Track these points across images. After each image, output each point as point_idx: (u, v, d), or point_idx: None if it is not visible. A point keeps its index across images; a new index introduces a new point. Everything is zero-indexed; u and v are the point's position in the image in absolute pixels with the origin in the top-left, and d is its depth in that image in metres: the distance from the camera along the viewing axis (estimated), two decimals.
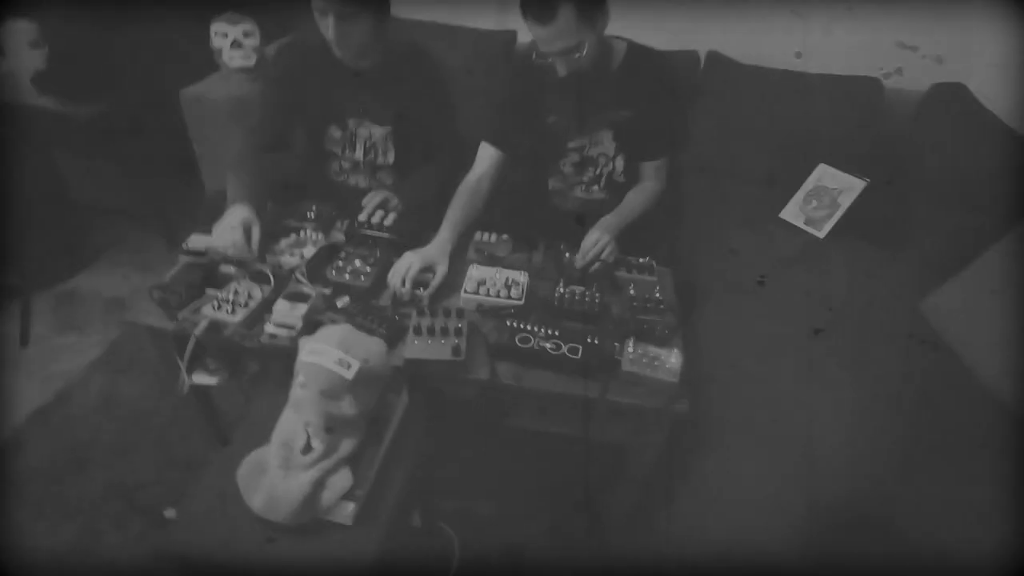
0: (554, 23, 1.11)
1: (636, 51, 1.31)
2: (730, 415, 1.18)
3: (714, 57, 1.94)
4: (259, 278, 1.16)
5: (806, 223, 1.69)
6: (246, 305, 1.10)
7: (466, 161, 1.41)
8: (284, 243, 1.24)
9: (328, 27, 1.18)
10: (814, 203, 1.70)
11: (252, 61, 1.67)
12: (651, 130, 1.35)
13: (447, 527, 1.25)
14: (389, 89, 1.35)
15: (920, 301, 1.39)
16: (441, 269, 1.18)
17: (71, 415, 1.53)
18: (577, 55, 1.17)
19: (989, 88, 1.68)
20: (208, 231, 1.27)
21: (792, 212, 1.73)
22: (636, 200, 1.38)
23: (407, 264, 1.16)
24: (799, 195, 1.72)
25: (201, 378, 1.18)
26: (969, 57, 1.79)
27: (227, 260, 1.19)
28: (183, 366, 1.11)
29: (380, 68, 1.34)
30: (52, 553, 1.26)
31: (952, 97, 1.72)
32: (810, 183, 1.72)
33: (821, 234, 1.66)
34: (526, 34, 2.04)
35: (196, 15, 1.72)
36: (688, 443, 1.14)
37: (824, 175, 1.71)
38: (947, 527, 0.98)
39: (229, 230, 1.17)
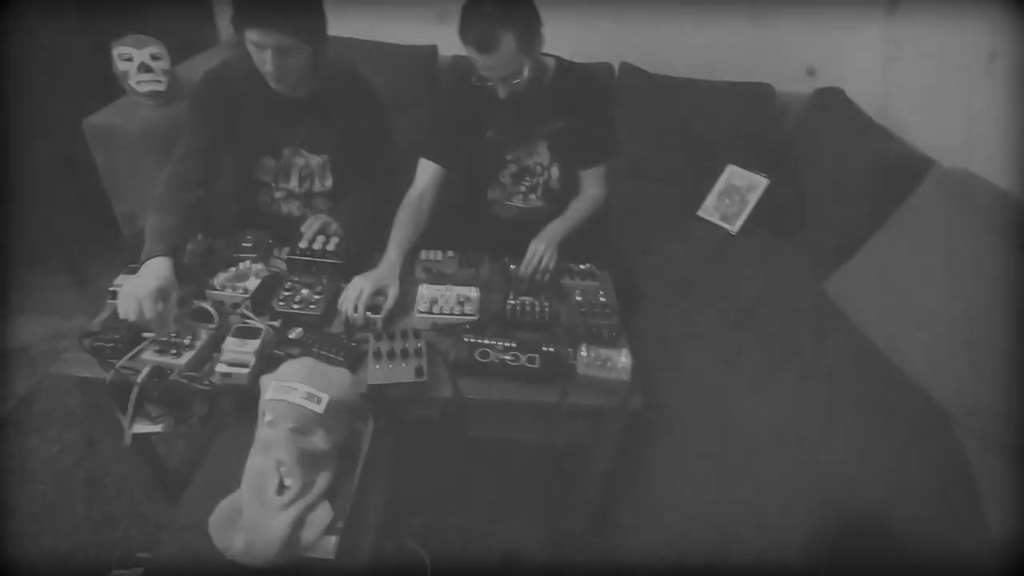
0: (496, 52, 1.15)
1: (564, 67, 1.38)
2: (676, 404, 1.27)
3: (627, 68, 2.07)
4: (201, 316, 1.12)
5: (721, 219, 1.85)
6: (191, 346, 1.05)
7: (402, 179, 1.43)
8: (223, 277, 1.19)
9: (265, 61, 1.14)
10: (726, 201, 1.86)
11: (164, 85, 1.57)
12: (583, 139, 1.42)
13: (417, 545, 1.26)
14: (326, 118, 1.33)
15: (823, 282, 1.57)
16: (393, 291, 1.19)
17: None
18: (517, 80, 1.22)
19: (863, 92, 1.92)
20: (134, 270, 1.21)
21: (708, 210, 1.88)
22: (578, 208, 1.43)
23: (358, 289, 1.15)
24: (713, 194, 1.88)
25: (144, 426, 1.12)
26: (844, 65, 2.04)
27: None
28: (126, 417, 1.05)
29: (316, 97, 1.31)
30: None
31: (831, 101, 1.94)
32: (721, 183, 1.88)
33: (734, 229, 1.82)
34: (447, 48, 2.10)
35: (92, 37, 1.60)
36: (642, 434, 1.23)
37: (733, 175, 1.87)
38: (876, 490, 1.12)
39: (138, 300, 1.01)
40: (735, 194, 1.85)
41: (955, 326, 1.25)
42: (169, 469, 1.40)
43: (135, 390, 1.01)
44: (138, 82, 1.54)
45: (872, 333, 1.41)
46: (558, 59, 1.38)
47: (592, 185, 1.47)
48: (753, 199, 1.82)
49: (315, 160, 1.38)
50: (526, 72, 1.21)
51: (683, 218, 1.88)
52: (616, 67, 2.08)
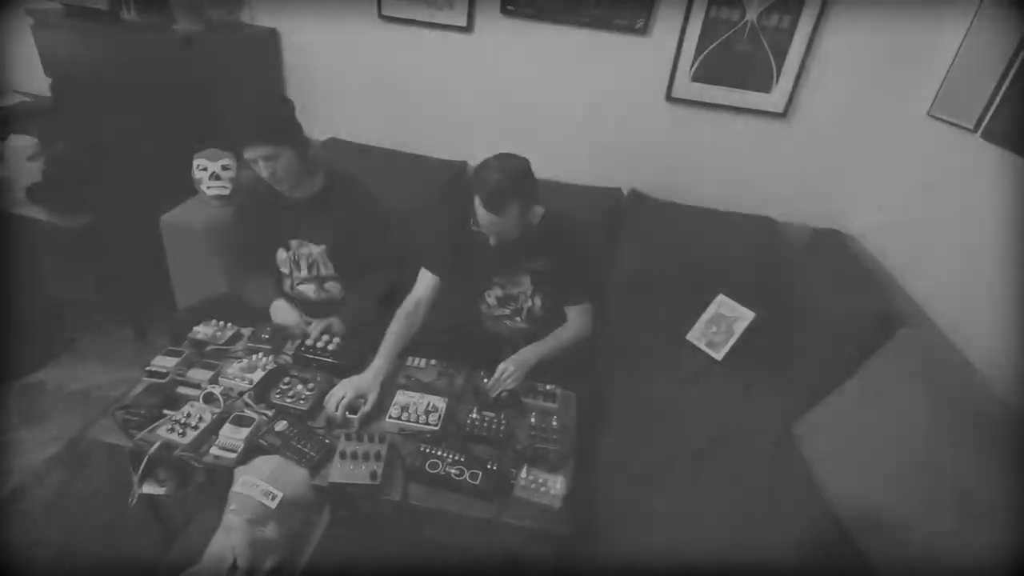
0: (502, 216, 1.38)
1: (552, 216, 1.57)
2: (620, 530, 1.34)
3: (635, 194, 2.25)
4: (210, 400, 1.34)
5: (707, 346, 1.94)
6: (196, 427, 1.26)
7: (403, 274, 1.63)
8: (236, 367, 1.42)
9: (261, 169, 1.48)
10: (713, 328, 1.96)
11: (228, 191, 1.90)
12: (565, 279, 1.59)
13: None
14: (324, 213, 1.63)
15: (793, 424, 1.61)
16: (372, 397, 1.36)
17: (23, 511, 1.63)
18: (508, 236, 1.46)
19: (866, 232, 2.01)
20: (171, 353, 1.46)
21: (696, 335, 1.98)
22: (559, 336, 1.58)
23: (342, 392, 1.34)
24: (701, 320, 1.98)
25: (151, 488, 1.32)
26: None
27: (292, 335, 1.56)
28: (135, 480, 1.26)
29: (317, 196, 1.63)
30: None
31: (826, 242, 2.03)
32: (710, 310, 1.98)
33: (719, 357, 1.90)
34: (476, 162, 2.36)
35: (180, 145, 1.97)
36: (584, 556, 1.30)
37: (722, 304, 1.97)
38: None
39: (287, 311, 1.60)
40: (722, 323, 1.95)
41: (903, 499, 1.26)
42: (173, 525, 1.59)
43: (144, 460, 1.22)
44: (208, 187, 1.88)
45: (827, 486, 1.43)
46: (546, 209, 1.56)
47: (577, 318, 1.61)
48: (739, 330, 1.91)
49: (316, 249, 1.66)
50: (517, 232, 1.43)
51: (672, 339, 1.98)
52: (625, 192, 2.26)
